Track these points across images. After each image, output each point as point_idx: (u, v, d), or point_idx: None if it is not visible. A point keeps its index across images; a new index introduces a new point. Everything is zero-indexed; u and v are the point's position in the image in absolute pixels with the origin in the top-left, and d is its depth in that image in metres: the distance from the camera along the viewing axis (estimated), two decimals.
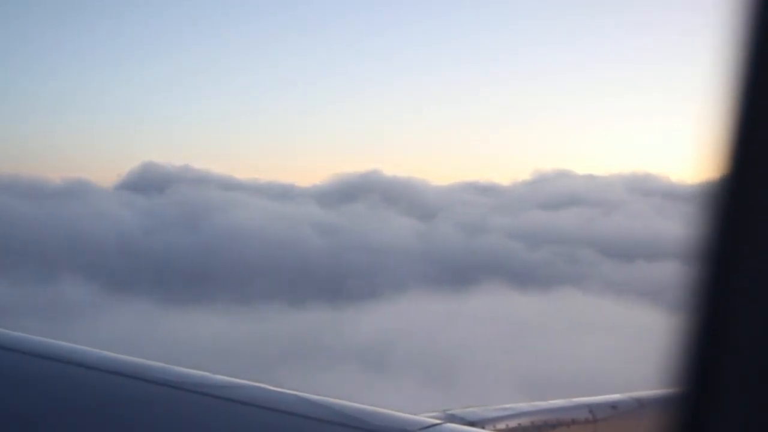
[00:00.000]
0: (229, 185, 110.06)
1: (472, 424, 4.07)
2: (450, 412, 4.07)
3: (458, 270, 65.84)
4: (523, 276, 62.19)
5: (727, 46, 1.09)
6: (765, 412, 1.07)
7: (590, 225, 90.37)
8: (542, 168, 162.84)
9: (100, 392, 3.14)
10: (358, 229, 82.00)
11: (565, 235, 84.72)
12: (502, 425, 4.25)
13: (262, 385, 3.19)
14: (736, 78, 1.09)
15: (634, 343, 35.10)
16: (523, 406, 4.50)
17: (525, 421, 4.36)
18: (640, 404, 4.77)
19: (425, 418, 3.23)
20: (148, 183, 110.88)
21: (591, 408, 4.62)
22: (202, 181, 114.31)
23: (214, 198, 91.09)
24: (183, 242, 71.22)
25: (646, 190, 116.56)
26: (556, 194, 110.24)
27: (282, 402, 3.05)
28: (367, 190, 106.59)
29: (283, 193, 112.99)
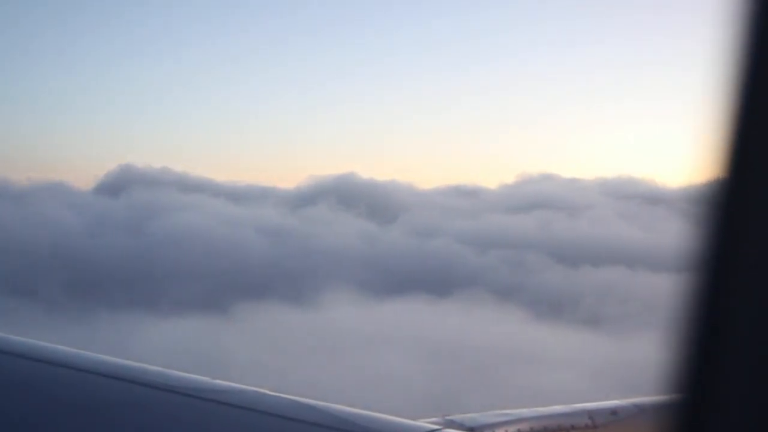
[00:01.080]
0: (199, 187, 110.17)
1: (471, 429, 4.12)
2: (449, 417, 4.08)
3: (388, 275, 65.25)
4: (442, 282, 61.52)
5: (721, 48, 1.09)
6: (763, 417, 1.07)
7: (549, 229, 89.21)
8: (526, 171, 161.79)
9: (99, 396, 3.12)
10: (309, 232, 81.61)
11: (521, 239, 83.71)
12: (501, 431, 4.26)
13: (262, 390, 3.18)
14: (731, 81, 1.08)
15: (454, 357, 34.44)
16: (523, 411, 4.50)
17: (524, 427, 4.35)
18: (640, 410, 4.74)
19: (425, 424, 3.35)
20: (124, 185, 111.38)
21: (591, 414, 4.61)
22: (177, 183, 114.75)
23: (171, 200, 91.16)
24: (118, 246, 71.31)
25: (623, 194, 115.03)
26: (529, 198, 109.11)
27: (282, 407, 3.05)
28: (338, 193, 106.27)
29: (257, 196, 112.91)
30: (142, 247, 71.05)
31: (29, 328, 44.64)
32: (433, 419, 3.84)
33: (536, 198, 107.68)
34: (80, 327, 47.66)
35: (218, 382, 3.24)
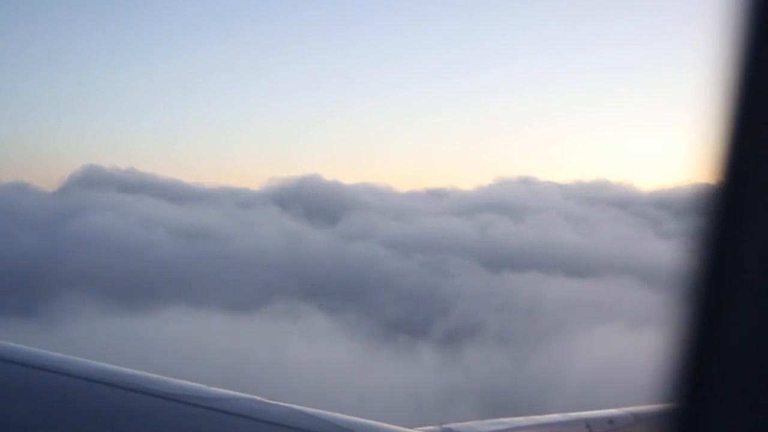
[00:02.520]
0: (157, 188, 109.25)
1: None
2: (447, 425, 4.06)
3: (276, 278, 63.30)
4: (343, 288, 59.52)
5: (715, 50, 1.08)
6: (761, 425, 1.07)
7: (487, 232, 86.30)
8: (504, 174, 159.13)
9: (96, 403, 3.06)
10: (230, 234, 79.86)
11: (454, 242, 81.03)
12: None
13: (258, 398, 3.17)
14: (725, 84, 1.07)
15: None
16: (520, 420, 4.44)
17: None
18: (637, 419, 4.66)
19: None
20: (88, 186, 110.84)
21: (587, 422, 4.55)
22: (141, 185, 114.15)
23: (104, 201, 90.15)
24: (23, 246, 70.34)
25: (592, 198, 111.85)
26: (490, 200, 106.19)
27: (278, 415, 3.05)
28: (291, 195, 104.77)
29: (219, 197, 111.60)
30: (46, 248, 69.95)
31: None
32: (431, 427, 3.84)
33: (495, 201, 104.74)
34: None
35: (216, 389, 3.14)
